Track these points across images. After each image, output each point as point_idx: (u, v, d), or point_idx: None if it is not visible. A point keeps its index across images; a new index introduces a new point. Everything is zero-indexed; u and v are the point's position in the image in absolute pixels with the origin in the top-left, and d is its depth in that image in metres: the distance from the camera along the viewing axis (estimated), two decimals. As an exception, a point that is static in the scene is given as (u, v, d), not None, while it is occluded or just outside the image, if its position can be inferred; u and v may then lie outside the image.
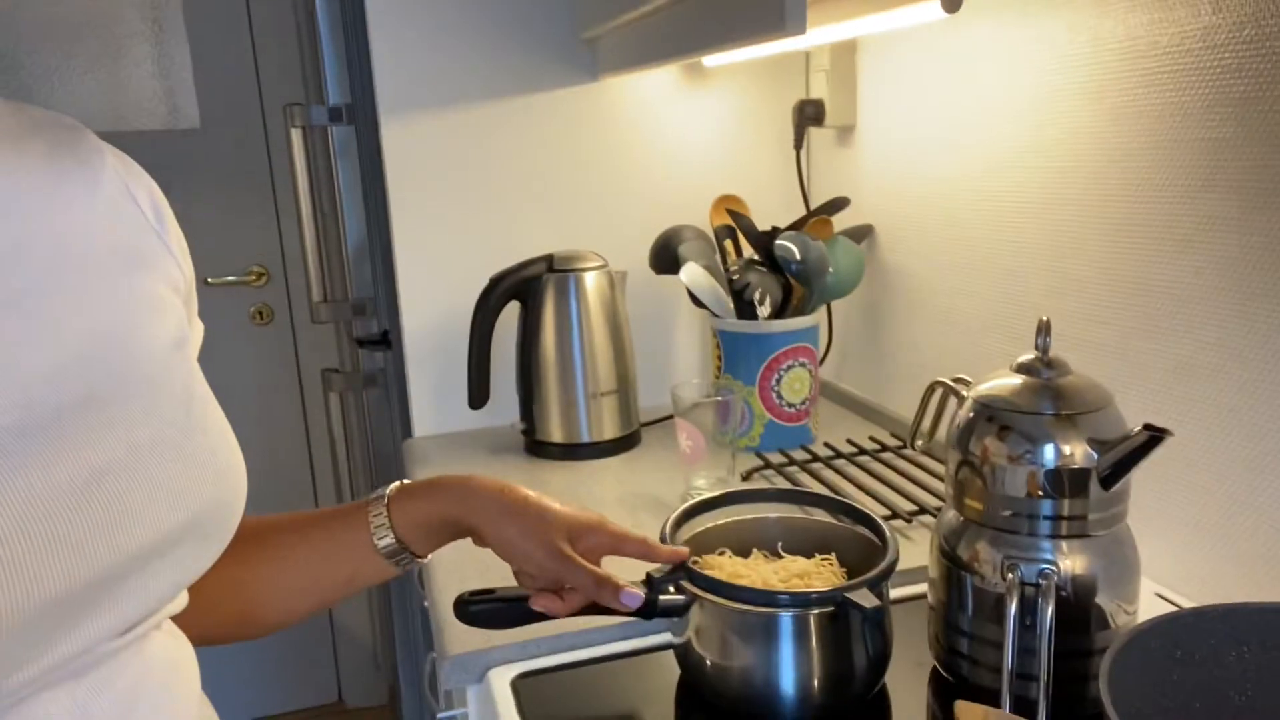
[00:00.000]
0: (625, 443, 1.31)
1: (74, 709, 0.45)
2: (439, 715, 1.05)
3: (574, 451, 1.28)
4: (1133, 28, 0.84)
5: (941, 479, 1.10)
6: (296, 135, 1.46)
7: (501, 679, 0.79)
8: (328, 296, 1.57)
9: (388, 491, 0.67)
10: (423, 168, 1.34)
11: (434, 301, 1.38)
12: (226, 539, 0.54)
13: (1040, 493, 0.65)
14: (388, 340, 1.53)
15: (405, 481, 0.69)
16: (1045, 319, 0.68)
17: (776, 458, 1.22)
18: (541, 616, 0.68)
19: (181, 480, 0.49)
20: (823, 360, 1.40)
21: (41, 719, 0.43)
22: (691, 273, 1.25)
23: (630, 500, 1.14)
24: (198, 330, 0.61)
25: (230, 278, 2.25)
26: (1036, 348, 0.69)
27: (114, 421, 0.46)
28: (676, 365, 1.50)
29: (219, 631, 0.64)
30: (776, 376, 1.24)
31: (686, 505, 0.80)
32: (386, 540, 0.65)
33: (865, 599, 0.66)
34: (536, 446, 1.30)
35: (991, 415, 0.68)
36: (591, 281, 1.27)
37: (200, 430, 0.52)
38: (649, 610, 0.68)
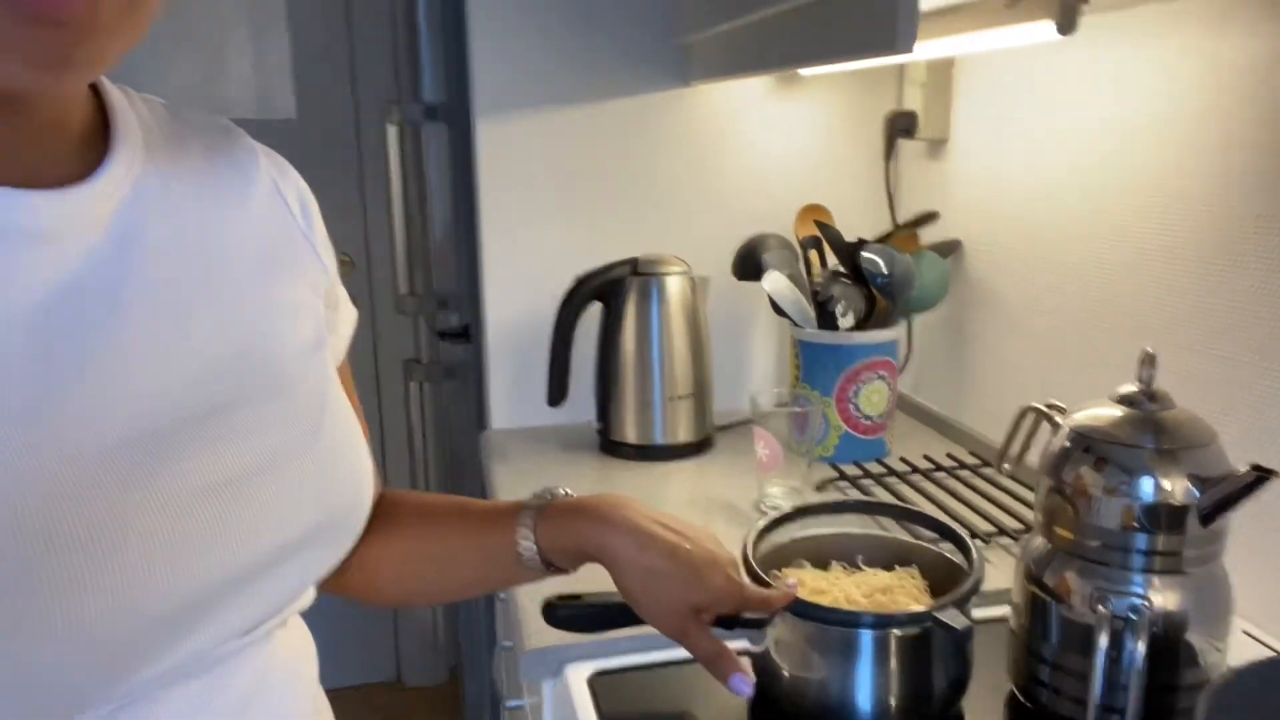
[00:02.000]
0: (699, 447, 1.32)
1: (193, 706, 0.46)
2: (507, 704, 1.07)
3: (648, 453, 1.30)
4: (1254, 55, 0.82)
5: (1022, 502, 1.09)
6: (392, 131, 1.50)
7: (579, 675, 0.80)
8: (413, 289, 1.61)
9: (536, 505, 0.64)
10: (513, 167, 1.36)
11: (516, 298, 1.40)
12: (352, 541, 0.55)
13: (1136, 526, 0.65)
14: (468, 334, 1.56)
15: (555, 495, 0.66)
16: (1149, 350, 0.68)
17: (851, 469, 1.21)
18: (626, 622, 0.69)
19: (311, 484, 0.50)
20: (901, 373, 1.39)
21: (160, 715, 0.45)
22: (774, 281, 1.25)
23: (702, 504, 1.15)
24: (347, 318, 0.63)
25: (316, 264, 2.31)
26: (1140, 380, 0.68)
27: (251, 425, 0.47)
28: (753, 372, 1.50)
29: (333, 585, 0.64)
30: (855, 388, 1.23)
31: (767, 520, 0.80)
32: (531, 555, 0.62)
33: (955, 619, 0.66)
34: (611, 446, 1.32)
35: (1089, 445, 0.67)
36: (674, 286, 1.28)
37: (330, 435, 0.52)
38: (730, 622, 0.69)
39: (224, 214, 0.52)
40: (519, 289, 1.40)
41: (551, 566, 0.63)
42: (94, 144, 0.47)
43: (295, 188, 0.58)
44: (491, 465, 1.31)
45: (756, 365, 1.50)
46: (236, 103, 2.15)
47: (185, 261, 0.49)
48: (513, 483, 1.23)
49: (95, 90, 0.49)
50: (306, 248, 0.57)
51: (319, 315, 0.56)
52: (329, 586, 0.64)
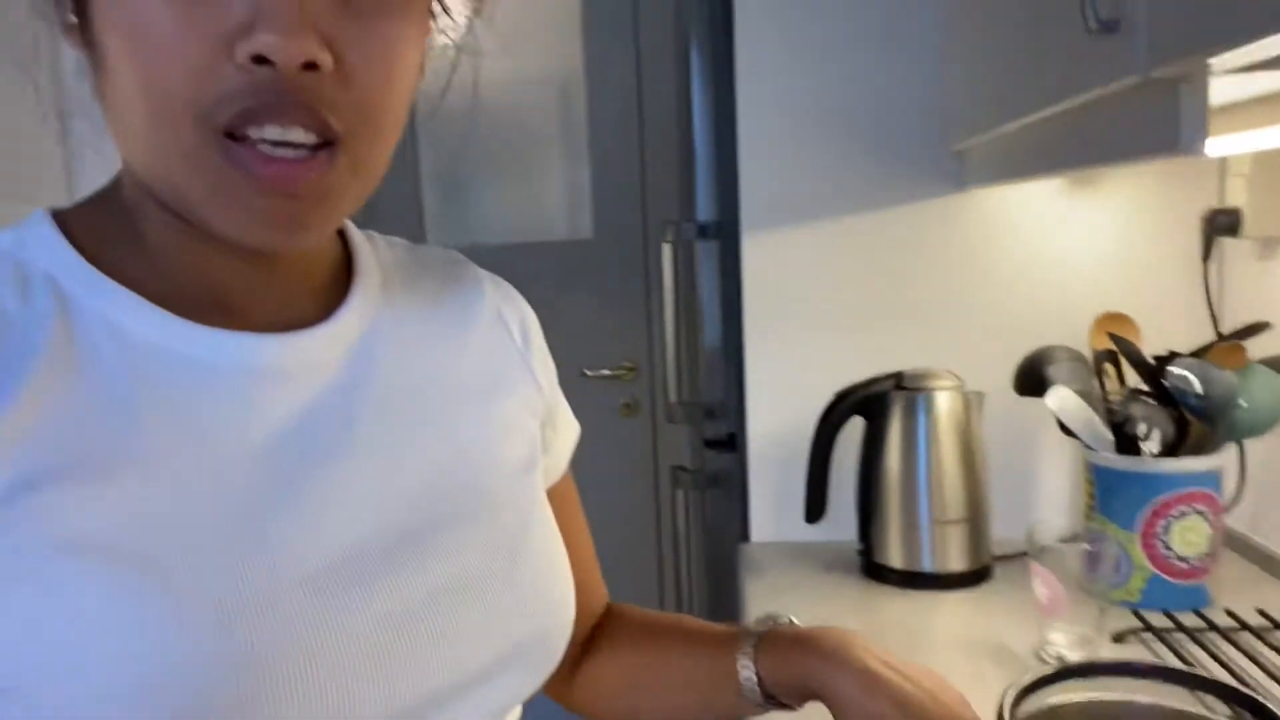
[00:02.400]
0: (973, 577, 1.20)
1: None
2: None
3: (914, 580, 1.20)
4: None
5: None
6: (666, 250, 1.57)
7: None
8: (682, 398, 1.65)
9: (758, 632, 0.61)
10: (778, 279, 1.37)
11: (780, 409, 1.39)
12: (550, 668, 0.54)
13: None
14: (734, 443, 1.56)
15: (779, 622, 0.62)
16: None
17: (1159, 620, 1.03)
18: None
19: (508, 608, 0.50)
20: (1230, 508, 1.18)
21: None
22: (1061, 398, 1.13)
23: (973, 646, 1.03)
24: (567, 436, 0.64)
25: (605, 371, 2.46)
26: None
27: (451, 549, 0.49)
28: (1039, 497, 1.35)
29: (557, 696, 0.64)
30: (1164, 523, 1.06)
31: (1036, 675, 0.70)
32: (751, 686, 0.59)
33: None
34: (874, 569, 1.24)
35: None
36: (943, 401, 1.20)
37: (532, 558, 0.53)
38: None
39: (449, 344, 0.56)
40: (782, 400, 1.38)
41: (773, 700, 0.60)
42: (335, 286, 0.53)
43: (518, 313, 0.61)
44: (748, 580, 1.27)
45: (1043, 490, 1.35)
46: (548, 225, 2.38)
47: (409, 393, 0.52)
48: (767, 600, 1.19)
49: (342, 235, 0.55)
50: (524, 370, 0.59)
51: (532, 436, 0.58)
52: (556, 697, 0.64)
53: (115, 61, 0.41)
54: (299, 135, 0.41)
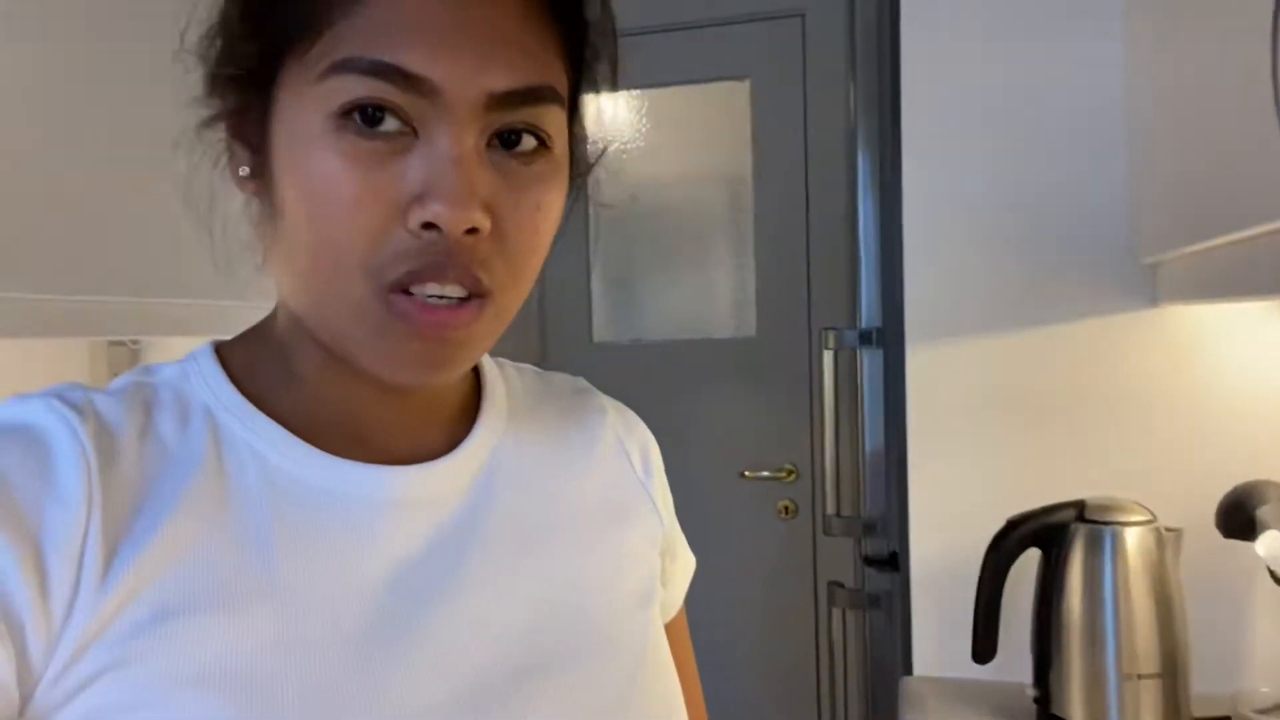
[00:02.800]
0: (1170, 742, 1.06)
1: None
2: None
3: (1099, 739, 1.07)
4: None
5: None
6: (828, 357, 1.54)
7: None
8: (841, 510, 1.59)
9: None
10: (945, 392, 1.30)
11: (946, 530, 1.30)
12: None
13: None
14: (896, 562, 1.48)
15: None
16: None
17: None
18: None
19: None
20: None
21: None
22: (1272, 544, 0.99)
23: (1169, 827, 0.91)
24: (685, 569, 0.63)
25: (765, 473, 2.41)
26: None
27: (562, 688, 0.48)
28: (1246, 656, 1.18)
29: None
30: None
31: None
32: None
33: None
34: (1051, 721, 1.12)
35: None
36: (1133, 538, 1.08)
37: (644, 697, 0.52)
38: None
39: (569, 472, 0.56)
40: (948, 520, 1.30)
41: None
42: (464, 416, 0.54)
43: (640, 441, 0.62)
44: (909, 718, 1.18)
45: (1251, 648, 1.18)
46: (713, 322, 2.39)
47: (527, 523, 0.52)
48: (928, 745, 1.10)
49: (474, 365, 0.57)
50: (645, 500, 0.59)
51: (652, 568, 0.58)
52: None
53: (291, 215, 0.44)
54: (454, 290, 0.44)
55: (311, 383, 0.50)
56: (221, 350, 0.52)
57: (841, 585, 1.71)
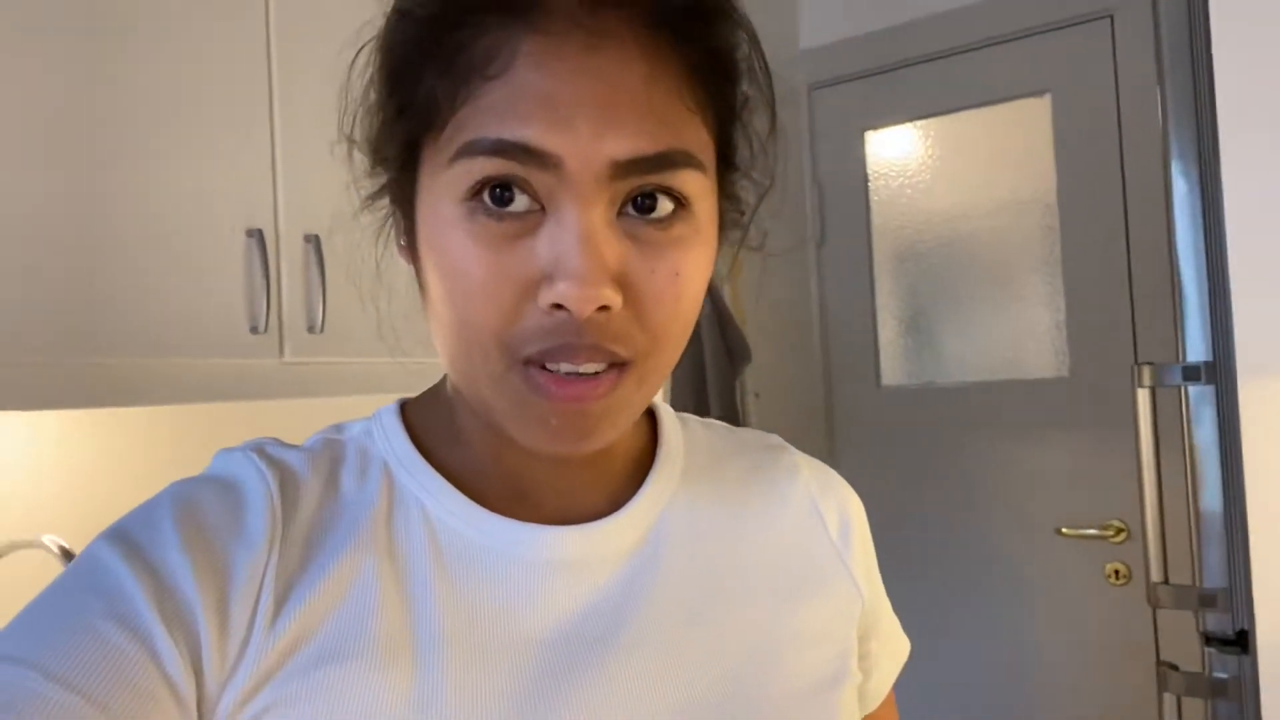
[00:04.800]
0: None
1: None
2: None
3: None
4: None
5: None
6: (1143, 396, 1.33)
7: None
8: (1168, 577, 1.35)
9: None
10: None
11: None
12: None
13: None
14: (1244, 643, 1.22)
15: None
16: None
17: None
18: None
19: None
20: None
21: None
22: None
23: None
24: (894, 654, 0.58)
25: (1088, 530, 2.13)
26: None
27: None
28: None
29: None
30: None
31: None
32: None
33: None
34: None
35: None
36: None
37: None
38: None
39: (748, 536, 0.53)
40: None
41: None
42: (633, 475, 0.53)
43: (838, 506, 0.57)
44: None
45: None
46: (1016, 362, 2.19)
47: (696, 590, 0.50)
48: None
49: (653, 417, 0.56)
50: (839, 569, 0.54)
51: (845, 648, 0.53)
52: None
53: (433, 292, 0.46)
54: (589, 367, 0.44)
55: (475, 442, 0.51)
56: (406, 407, 0.54)
57: (1174, 668, 1.45)
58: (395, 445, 0.51)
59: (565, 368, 0.43)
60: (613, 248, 0.42)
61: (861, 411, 2.27)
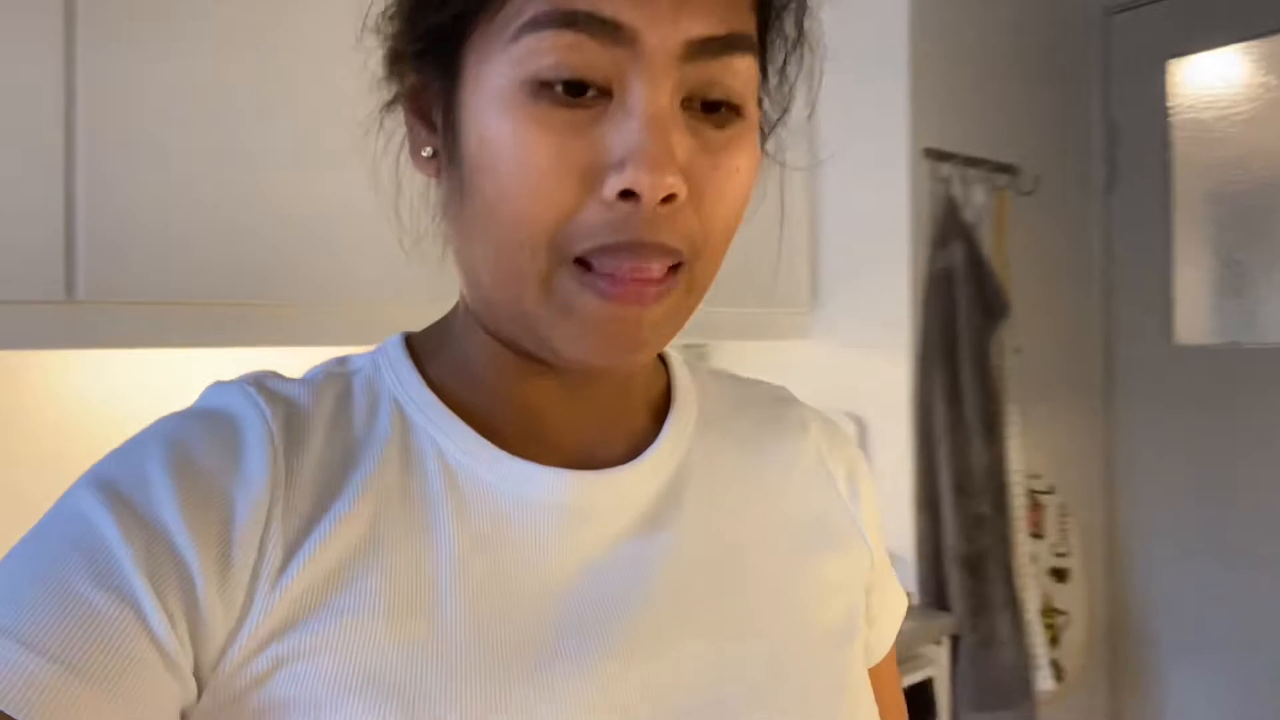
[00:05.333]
0: None
1: None
2: None
3: None
4: None
5: None
6: None
7: None
8: None
9: None
10: None
11: None
12: None
13: None
14: None
15: None
16: None
17: None
18: None
19: None
20: None
21: None
22: None
23: None
24: (893, 609, 0.57)
25: None
26: None
27: None
28: None
29: None
30: None
31: None
32: None
33: None
34: None
35: None
36: None
37: None
38: None
39: (765, 487, 0.52)
40: None
41: None
42: (650, 418, 0.51)
43: (846, 461, 0.56)
44: None
45: None
46: None
47: (713, 540, 0.48)
48: None
49: (664, 363, 0.54)
50: (850, 524, 0.54)
51: (855, 602, 0.52)
52: None
53: (478, 189, 0.42)
54: (652, 270, 0.42)
55: (491, 378, 0.48)
56: (412, 341, 0.51)
57: None
58: (405, 381, 0.48)
59: (627, 266, 0.41)
60: (680, 137, 0.41)
61: (1149, 372, 2.05)
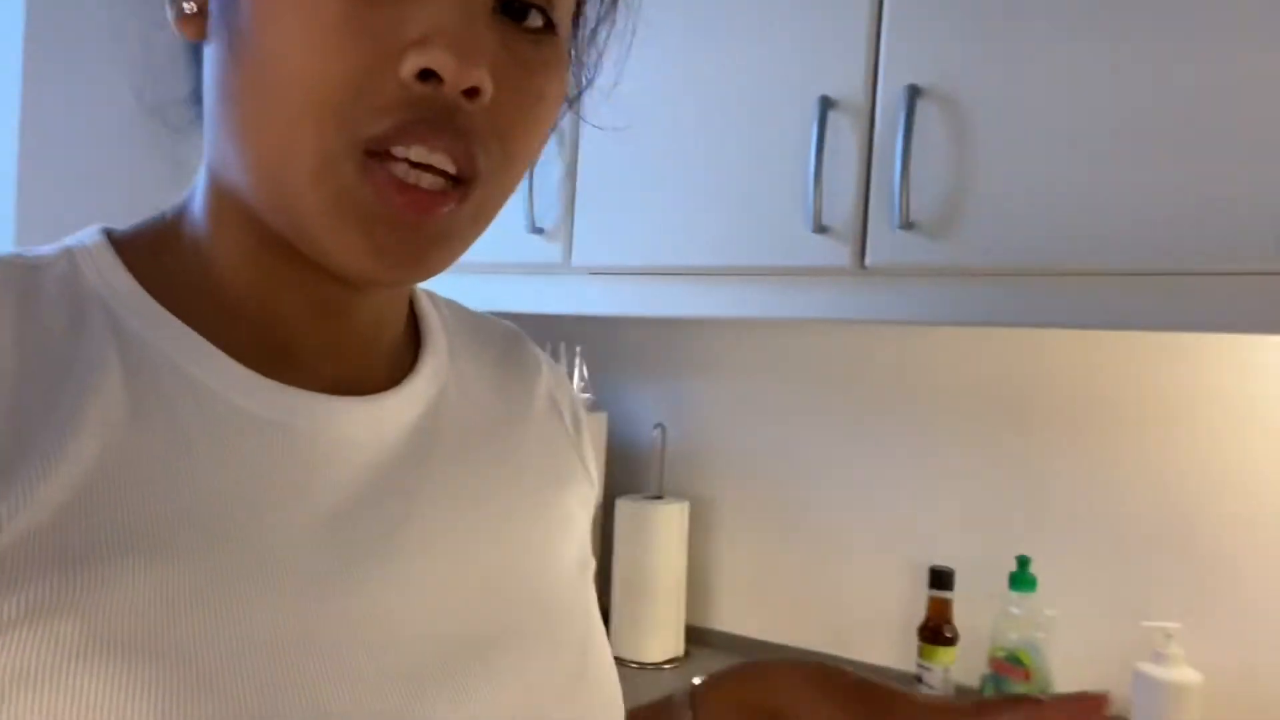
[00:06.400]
0: None
1: None
2: None
3: None
4: None
5: None
6: None
7: None
8: None
9: (696, 686, 0.56)
10: None
11: None
12: None
13: None
14: None
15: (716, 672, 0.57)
16: None
17: None
18: None
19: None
20: None
21: None
22: None
23: None
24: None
25: None
26: None
27: (525, 661, 0.43)
28: None
29: None
30: None
31: None
32: None
33: None
34: None
35: None
36: None
37: (593, 665, 0.47)
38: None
39: (511, 421, 0.51)
40: None
41: None
42: (403, 351, 0.49)
43: (570, 398, 0.57)
44: None
45: None
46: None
47: (474, 476, 0.47)
48: None
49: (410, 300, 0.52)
50: (577, 460, 0.55)
51: (585, 533, 0.54)
52: None
53: (256, 48, 0.38)
54: (442, 161, 0.38)
55: (233, 285, 0.42)
56: (115, 241, 0.43)
57: None
58: (116, 284, 0.40)
59: (416, 154, 0.37)
60: (492, 36, 0.38)
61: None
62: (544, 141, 0.43)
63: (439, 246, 0.40)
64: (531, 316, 1.52)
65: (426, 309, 0.52)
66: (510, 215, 1.18)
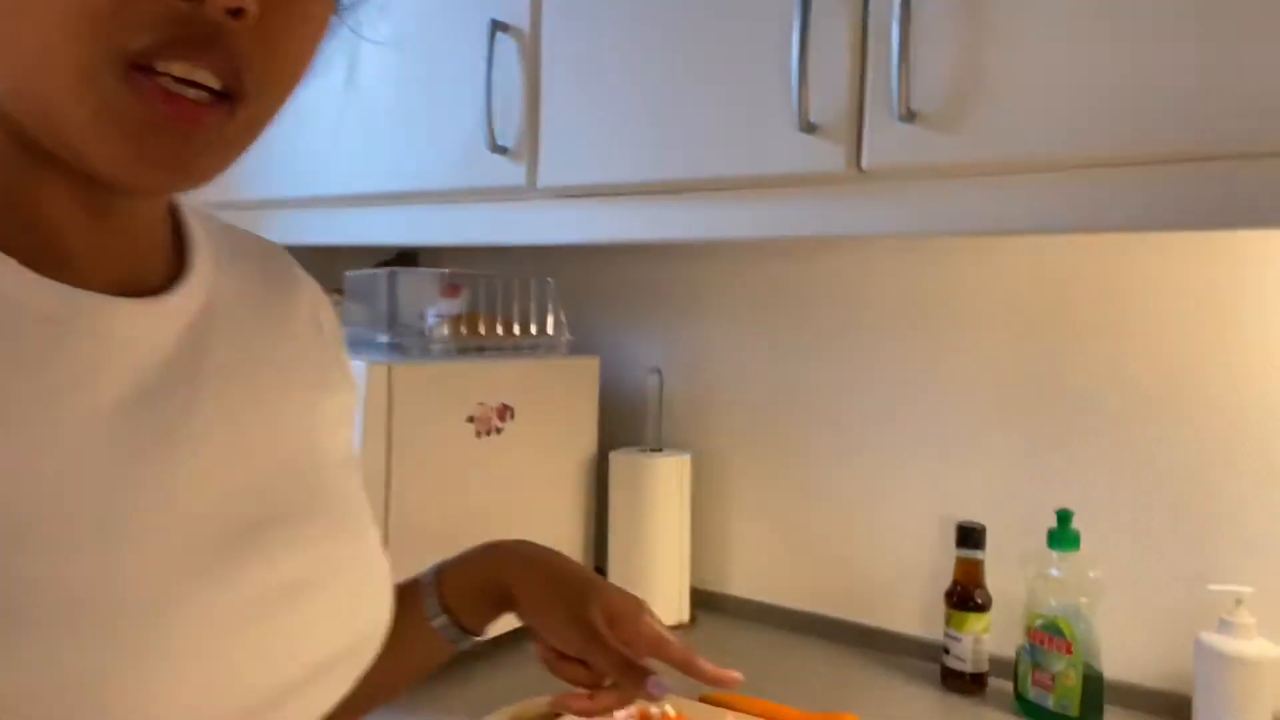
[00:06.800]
0: None
1: None
2: None
3: None
4: None
5: None
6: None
7: None
8: None
9: (443, 563, 0.68)
10: None
11: None
12: (367, 664, 0.52)
13: None
14: None
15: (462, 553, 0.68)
16: None
17: None
18: None
19: (352, 600, 0.50)
20: None
21: None
22: None
23: None
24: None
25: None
26: None
27: (301, 538, 0.48)
28: None
29: None
30: None
31: None
32: (437, 616, 0.65)
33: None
34: None
35: None
36: None
37: (367, 550, 0.53)
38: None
39: (276, 332, 0.55)
40: None
41: (455, 626, 0.66)
42: (172, 257, 0.51)
43: (330, 317, 0.62)
44: None
45: None
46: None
47: (245, 375, 0.50)
48: None
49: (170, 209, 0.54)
50: (340, 372, 0.60)
51: (350, 433, 0.59)
52: None
53: None
54: (206, 78, 0.40)
55: (3, 192, 0.43)
56: None
57: None
58: None
59: (178, 69, 0.39)
60: None
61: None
62: (311, 60, 0.45)
63: (206, 155, 0.42)
64: (497, 249, 1.45)
65: (186, 214, 0.54)
66: (467, 133, 1.10)
